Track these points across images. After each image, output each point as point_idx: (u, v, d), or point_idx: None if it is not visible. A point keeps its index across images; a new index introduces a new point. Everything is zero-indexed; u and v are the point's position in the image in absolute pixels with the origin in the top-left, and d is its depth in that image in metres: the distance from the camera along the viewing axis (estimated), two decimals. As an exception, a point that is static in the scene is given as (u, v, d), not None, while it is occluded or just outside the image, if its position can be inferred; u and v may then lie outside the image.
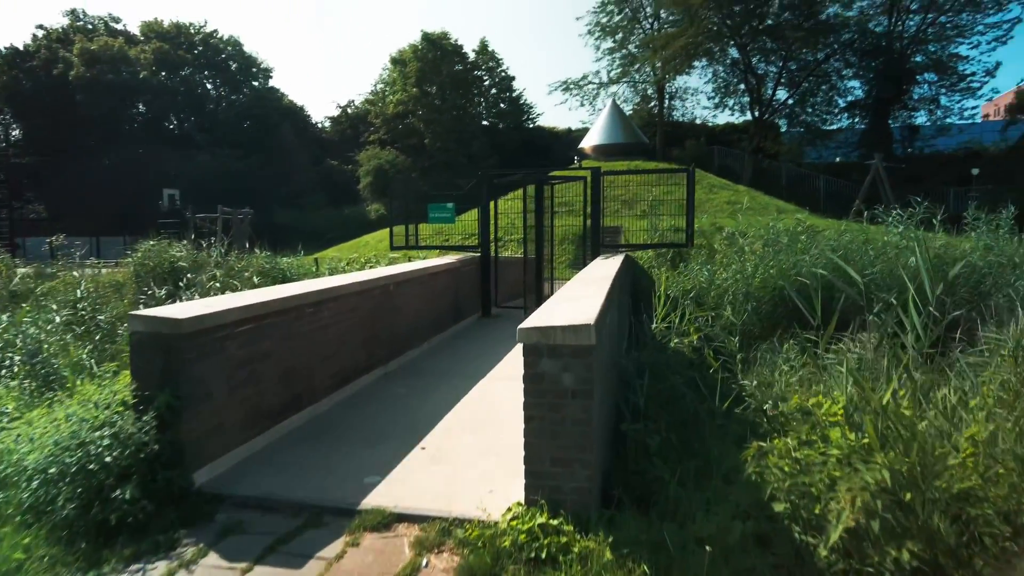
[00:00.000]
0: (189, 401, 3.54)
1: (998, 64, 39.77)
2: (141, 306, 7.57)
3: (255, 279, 14.00)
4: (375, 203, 38.73)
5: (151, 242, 14.42)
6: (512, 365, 6.27)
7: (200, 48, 50.04)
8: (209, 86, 52.64)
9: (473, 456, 3.98)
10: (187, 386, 3.54)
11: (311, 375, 4.81)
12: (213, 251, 15.84)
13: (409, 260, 17.08)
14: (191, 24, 49.50)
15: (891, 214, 13.40)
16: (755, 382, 5.51)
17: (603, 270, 5.85)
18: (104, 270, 13.03)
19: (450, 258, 8.77)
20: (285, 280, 13.58)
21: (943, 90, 33.48)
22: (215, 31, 50.60)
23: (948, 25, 33.71)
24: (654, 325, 5.87)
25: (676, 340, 5.79)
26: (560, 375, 2.98)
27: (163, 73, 48.15)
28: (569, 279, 14.83)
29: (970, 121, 34.70)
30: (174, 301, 8.93)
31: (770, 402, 4.56)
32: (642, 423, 3.89)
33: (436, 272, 7.67)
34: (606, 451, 3.67)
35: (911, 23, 33.84)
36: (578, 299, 3.83)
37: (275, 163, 44.91)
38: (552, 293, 12.08)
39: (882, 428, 3.13)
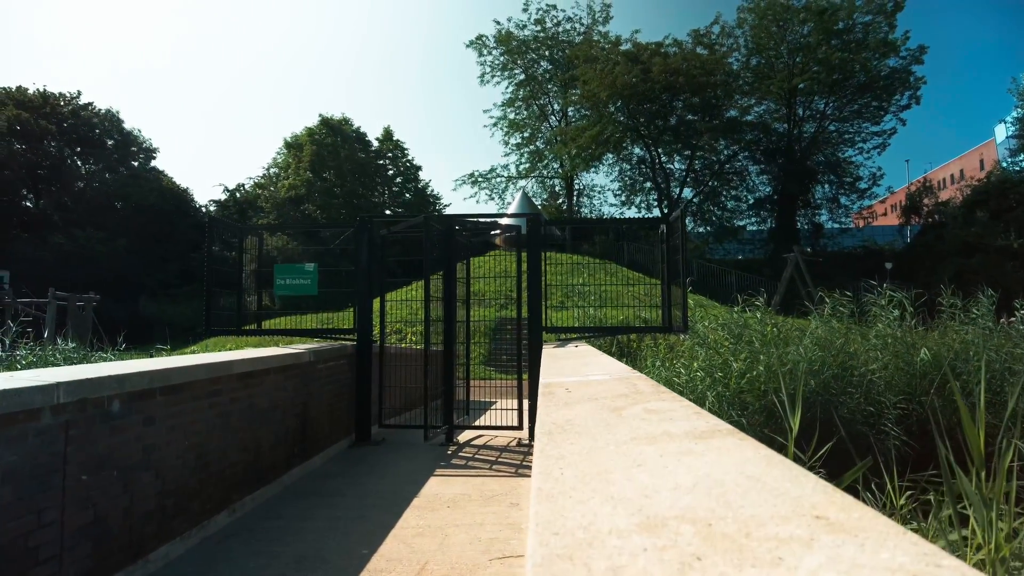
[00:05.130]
0: None
1: (879, 168, 42.52)
2: None
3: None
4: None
5: None
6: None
7: (70, 121, 44.96)
8: (79, 162, 47.14)
9: None
10: None
11: None
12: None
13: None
14: (60, 94, 44.60)
15: (820, 304, 11.62)
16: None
17: (606, 365, 2.68)
18: None
19: (295, 347, 5.29)
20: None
21: (841, 191, 34.72)
22: (89, 103, 45.89)
23: (835, 133, 35.70)
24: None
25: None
26: None
27: (22, 145, 42.51)
28: (491, 380, 11.25)
29: (866, 220, 36.01)
30: None
31: None
32: None
33: (253, 372, 4.18)
34: None
35: (808, 128, 35.45)
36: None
37: (147, 248, 39.68)
38: (468, 398, 8.57)
39: None
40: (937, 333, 10.31)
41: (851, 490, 4.03)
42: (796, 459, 4.86)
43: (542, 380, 2.21)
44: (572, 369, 2.51)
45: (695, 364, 8.92)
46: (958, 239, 28.02)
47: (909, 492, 4.01)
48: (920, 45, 31.78)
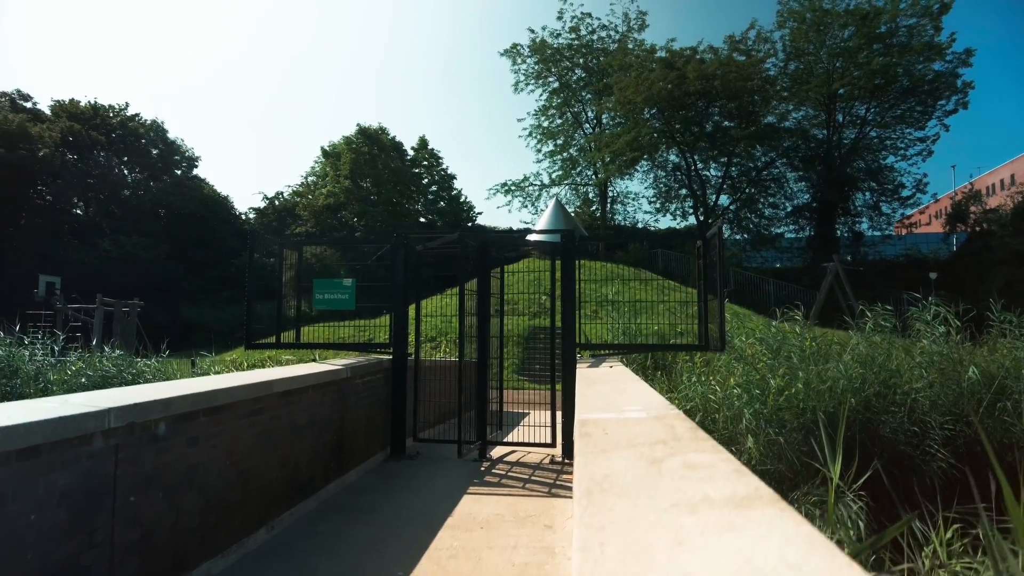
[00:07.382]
0: None
1: (925, 175, 41.25)
2: None
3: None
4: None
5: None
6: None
7: (119, 132, 46.71)
8: (126, 171, 48.93)
9: None
10: None
11: None
12: (39, 349, 12.09)
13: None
14: (110, 106, 46.38)
15: (861, 317, 11.21)
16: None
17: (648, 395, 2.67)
18: None
19: (333, 363, 5.39)
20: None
21: (883, 198, 33.77)
22: (136, 115, 47.62)
23: (876, 139, 34.73)
24: None
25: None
26: None
27: (73, 155, 44.31)
28: (524, 389, 11.22)
29: (908, 228, 34.96)
30: None
31: None
32: None
33: (293, 391, 4.27)
34: None
35: (848, 135, 34.62)
36: None
37: (188, 254, 40.92)
38: (501, 411, 8.55)
39: None
40: (986, 349, 9.91)
41: (895, 519, 3.92)
42: (837, 492, 4.69)
43: (578, 416, 2.21)
44: (608, 401, 2.50)
45: (732, 380, 8.76)
46: (1009, 248, 26.98)
47: (957, 524, 3.86)
48: (967, 48, 30.74)
